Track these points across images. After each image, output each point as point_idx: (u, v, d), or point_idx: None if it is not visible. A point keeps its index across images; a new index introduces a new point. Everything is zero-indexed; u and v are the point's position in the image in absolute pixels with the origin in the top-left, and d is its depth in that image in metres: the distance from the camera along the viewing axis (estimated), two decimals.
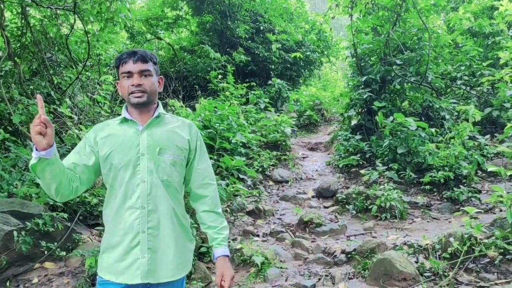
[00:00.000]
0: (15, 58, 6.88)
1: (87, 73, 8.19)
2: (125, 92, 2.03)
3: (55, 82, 7.36)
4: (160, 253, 1.99)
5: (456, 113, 8.65)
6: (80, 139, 5.63)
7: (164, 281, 1.99)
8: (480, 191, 6.58)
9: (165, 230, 2.00)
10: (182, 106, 7.77)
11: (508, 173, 4.31)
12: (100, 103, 7.23)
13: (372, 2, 8.75)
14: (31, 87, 6.93)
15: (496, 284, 3.76)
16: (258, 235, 5.61)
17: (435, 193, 6.75)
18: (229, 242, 5.04)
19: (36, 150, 1.75)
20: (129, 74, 2.01)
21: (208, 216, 2.17)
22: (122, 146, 2.00)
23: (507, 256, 3.99)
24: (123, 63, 2.02)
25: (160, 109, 2.11)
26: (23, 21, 7.13)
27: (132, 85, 2.00)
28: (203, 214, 2.18)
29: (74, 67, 7.88)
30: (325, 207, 6.83)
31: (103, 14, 6.95)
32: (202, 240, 4.75)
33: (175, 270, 2.02)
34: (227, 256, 2.16)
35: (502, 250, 4.05)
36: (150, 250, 1.96)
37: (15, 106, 5.82)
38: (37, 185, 4.94)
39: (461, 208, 5.80)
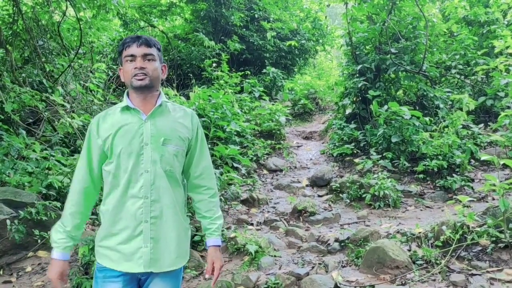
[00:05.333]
0: (7, 46, 6.80)
1: (79, 61, 8.10)
2: (128, 76, 2.01)
3: (47, 70, 7.28)
4: (163, 242, 2.00)
5: (450, 102, 8.66)
6: (72, 127, 5.60)
7: (167, 269, 2.01)
8: (473, 180, 6.62)
9: (168, 220, 2.01)
10: (176, 95, 7.73)
11: (501, 162, 4.32)
12: (93, 91, 7.17)
13: None
14: (23, 75, 6.87)
15: (488, 272, 3.80)
16: (252, 224, 5.62)
17: (429, 182, 6.79)
18: (223, 230, 5.06)
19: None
20: (133, 57, 1.99)
21: (204, 206, 2.19)
22: (126, 135, 1.99)
23: (499, 245, 4.02)
24: (127, 47, 2.01)
25: (163, 97, 2.10)
26: (14, 8, 7.03)
27: (135, 68, 1.98)
28: (199, 203, 2.20)
29: (66, 54, 7.80)
30: (319, 196, 6.85)
31: (95, 1, 6.88)
32: (196, 229, 4.76)
33: (177, 259, 2.05)
34: (218, 246, 2.19)
35: (494, 239, 4.08)
36: (153, 239, 1.98)
37: (7, 94, 5.76)
38: (30, 173, 4.92)
39: (454, 196, 5.85)
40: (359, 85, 8.75)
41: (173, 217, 2.03)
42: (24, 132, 5.85)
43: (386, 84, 9.01)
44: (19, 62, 7.36)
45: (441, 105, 8.45)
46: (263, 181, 7.56)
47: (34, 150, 5.23)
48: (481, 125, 8.07)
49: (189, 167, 2.16)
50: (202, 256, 4.51)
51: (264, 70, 13.19)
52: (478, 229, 4.24)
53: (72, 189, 2.11)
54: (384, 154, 7.28)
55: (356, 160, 7.67)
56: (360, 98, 9.21)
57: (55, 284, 2.06)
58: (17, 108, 5.73)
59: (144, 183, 1.97)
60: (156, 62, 2.03)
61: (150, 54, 2.01)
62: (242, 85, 10.87)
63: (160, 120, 2.04)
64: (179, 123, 2.08)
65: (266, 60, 14.05)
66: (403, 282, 3.79)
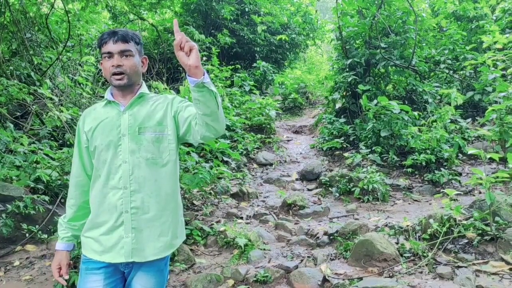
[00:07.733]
0: None
1: (68, 53, 8.02)
2: (107, 73, 2.01)
3: (35, 62, 7.20)
4: (146, 232, 2.00)
5: (439, 97, 8.73)
6: (61, 121, 5.55)
7: (151, 259, 2.00)
8: (460, 174, 6.70)
9: (150, 209, 2.00)
10: (166, 88, 7.69)
11: (488, 156, 4.37)
12: (81, 85, 7.11)
13: None
14: (11, 67, 6.78)
15: (474, 264, 3.85)
16: (241, 218, 5.63)
17: (417, 176, 6.85)
18: (212, 224, 5.07)
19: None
20: (110, 54, 1.98)
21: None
22: (104, 128, 2.01)
23: (485, 237, 4.08)
24: (104, 43, 1.99)
25: (143, 89, 2.09)
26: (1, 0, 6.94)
27: (113, 65, 1.97)
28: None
29: (54, 47, 7.71)
30: (308, 190, 6.89)
31: None
32: (186, 223, 4.75)
33: (161, 248, 2.03)
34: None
35: (480, 231, 4.13)
36: (135, 229, 1.98)
37: None
38: (18, 167, 4.88)
39: (442, 190, 5.91)
40: (349, 80, 8.78)
41: (157, 206, 2.01)
42: (11, 125, 5.79)
43: (376, 78, 9.05)
44: (6, 55, 7.26)
45: (430, 100, 8.52)
46: (253, 175, 7.58)
47: (22, 144, 5.19)
48: (469, 119, 8.16)
49: (184, 117, 2.00)
50: (191, 250, 4.52)
51: (255, 64, 13.17)
52: (464, 222, 4.30)
53: (70, 183, 2.19)
54: (373, 148, 7.33)
55: (346, 154, 7.71)
56: (350, 92, 9.25)
57: (54, 274, 2.16)
58: (4, 101, 5.67)
59: (122, 174, 1.98)
60: (134, 58, 2.01)
61: (128, 50, 1.99)
62: (232, 79, 10.85)
63: (139, 109, 2.04)
64: (156, 108, 2.05)
65: (256, 54, 14.01)
66: (391, 275, 3.84)
